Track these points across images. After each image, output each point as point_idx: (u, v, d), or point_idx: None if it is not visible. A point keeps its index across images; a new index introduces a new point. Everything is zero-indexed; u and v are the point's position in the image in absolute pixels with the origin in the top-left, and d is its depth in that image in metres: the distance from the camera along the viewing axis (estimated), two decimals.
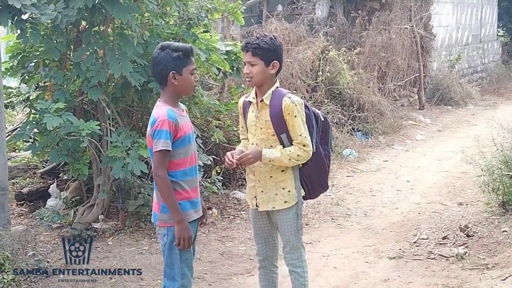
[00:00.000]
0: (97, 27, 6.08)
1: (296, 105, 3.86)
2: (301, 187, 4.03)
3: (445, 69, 16.32)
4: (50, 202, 6.82)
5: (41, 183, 7.45)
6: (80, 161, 6.30)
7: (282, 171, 3.96)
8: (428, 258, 5.73)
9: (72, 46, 6.22)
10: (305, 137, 3.86)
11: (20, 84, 6.87)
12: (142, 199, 6.31)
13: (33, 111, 6.53)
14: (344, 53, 11.87)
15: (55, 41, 6.02)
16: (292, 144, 3.88)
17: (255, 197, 4.05)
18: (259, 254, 4.22)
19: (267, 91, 3.92)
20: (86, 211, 6.43)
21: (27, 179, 7.68)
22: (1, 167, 5.49)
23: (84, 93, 6.06)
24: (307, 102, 10.11)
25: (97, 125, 5.76)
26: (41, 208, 6.66)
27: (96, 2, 5.47)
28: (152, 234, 6.09)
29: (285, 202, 3.96)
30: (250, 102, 4.05)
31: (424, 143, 11.41)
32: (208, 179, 7.15)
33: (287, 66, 10.41)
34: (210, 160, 6.95)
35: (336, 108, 10.97)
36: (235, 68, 6.91)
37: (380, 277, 5.35)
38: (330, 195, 7.75)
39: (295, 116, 3.85)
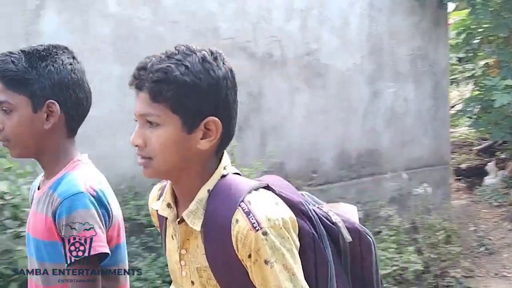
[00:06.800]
0: None
1: (269, 235, 1.26)
2: None
3: None
4: (488, 180, 6.77)
5: (477, 160, 7.46)
6: None
7: None
8: None
9: None
10: None
11: (464, 60, 6.95)
12: None
13: (476, 87, 6.54)
14: None
15: (504, 17, 5.87)
16: None
17: None
18: None
19: (193, 193, 1.36)
20: None
21: (462, 155, 7.77)
22: (444, 142, 5.62)
23: None
24: None
25: None
26: (480, 185, 6.66)
27: None
28: None
29: None
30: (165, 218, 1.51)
31: None
32: None
33: None
34: None
35: None
36: None
37: None
38: None
39: (267, 263, 1.27)
